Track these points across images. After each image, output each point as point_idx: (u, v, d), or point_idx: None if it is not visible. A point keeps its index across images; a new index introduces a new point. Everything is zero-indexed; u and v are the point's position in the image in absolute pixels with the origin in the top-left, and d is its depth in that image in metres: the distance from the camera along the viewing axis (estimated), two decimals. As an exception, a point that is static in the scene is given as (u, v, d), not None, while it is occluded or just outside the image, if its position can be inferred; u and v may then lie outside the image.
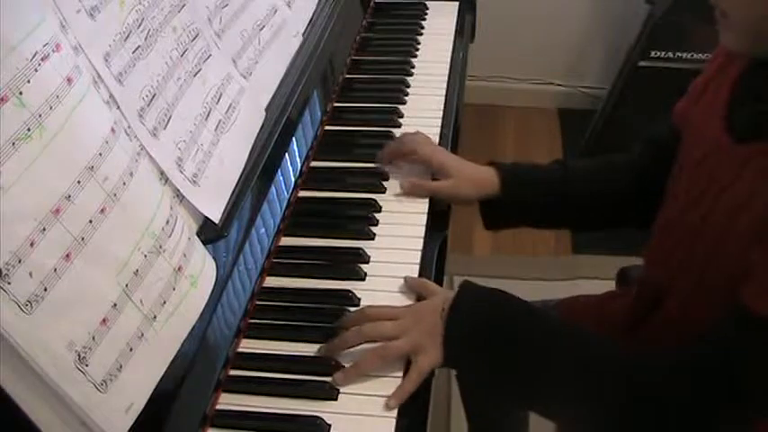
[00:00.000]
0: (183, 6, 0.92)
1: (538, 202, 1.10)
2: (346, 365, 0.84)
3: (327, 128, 1.24)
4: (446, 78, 1.39)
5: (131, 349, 0.67)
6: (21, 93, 0.61)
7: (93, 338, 0.63)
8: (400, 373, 0.84)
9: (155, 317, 0.71)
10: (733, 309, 0.79)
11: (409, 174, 1.13)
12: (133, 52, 0.81)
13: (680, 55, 2.23)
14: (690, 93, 0.98)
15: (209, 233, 0.85)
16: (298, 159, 1.12)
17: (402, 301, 0.94)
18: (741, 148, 0.84)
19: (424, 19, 1.59)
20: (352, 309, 0.92)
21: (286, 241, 1.02)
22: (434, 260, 1.02)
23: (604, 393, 0.83)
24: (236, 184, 0.92)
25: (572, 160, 1.14)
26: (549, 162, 1.15)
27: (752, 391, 0.79)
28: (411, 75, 1.40)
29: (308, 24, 1.27)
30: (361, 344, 0.85)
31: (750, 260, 0.79)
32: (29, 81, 0.62)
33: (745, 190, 0.82)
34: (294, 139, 1.11)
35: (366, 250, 1.00)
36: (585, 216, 1.13)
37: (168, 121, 0.84)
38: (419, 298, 0.93)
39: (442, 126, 1.26)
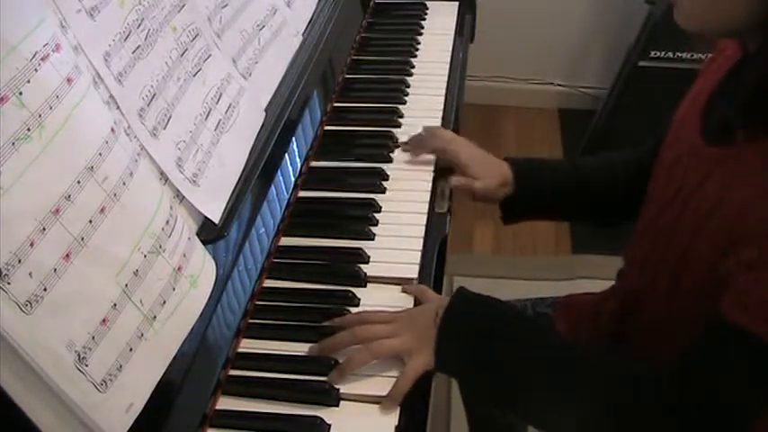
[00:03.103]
0: (183, 6, 0.92)
1: (549, 193, 1.12)
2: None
3: (327, 128, 1.24)
4: (446, 78, 1.39)
5: (131, 349, 0.67)
6: (21, 93, 0.61)
7: (93, 338, 0.63)
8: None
9: (155, 317, 0.71)
10: (712, 319, 0.78)
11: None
12: (133, 52, 0.81)
13: (680, 55, 2.23)
14: (687, 95, 0.98)
15: (209, 233, 0.85)
16: (298, 159, 1.11)
17: (402, 301, 0.93)
18: (711, 151, 0.84)
19: (424, 19, 1.59)
20: (352, 309, 0.92)
21: (286, 241, 1.02)
22: (434, 260, 1.02)
23: (592, 401, 0.83)
24: (236, 184, 0.92)
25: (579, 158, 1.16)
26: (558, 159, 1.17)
27: (734, 404, 0.77)
28: (411, 75, 1.40)
29: (308, 24, 1.27)
30: (353, 345, 0.85)
31: (723, 269, 0.78)
32: (29, 81, 0.62)
33: (713, 194, 0.81)
34: (294, 139, 1.11)
35: (366, 250, 1.00)
36: (597, 204, 1.15)
37: (168, 121, 0.84)
38: (417, 302, 0.93)
39: (442, 126, 1.26)
